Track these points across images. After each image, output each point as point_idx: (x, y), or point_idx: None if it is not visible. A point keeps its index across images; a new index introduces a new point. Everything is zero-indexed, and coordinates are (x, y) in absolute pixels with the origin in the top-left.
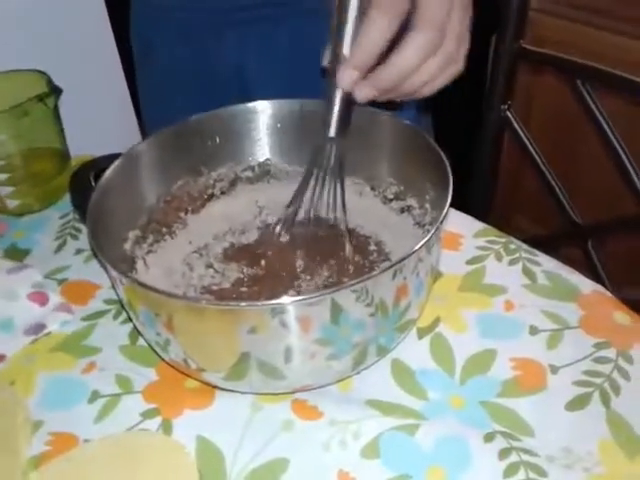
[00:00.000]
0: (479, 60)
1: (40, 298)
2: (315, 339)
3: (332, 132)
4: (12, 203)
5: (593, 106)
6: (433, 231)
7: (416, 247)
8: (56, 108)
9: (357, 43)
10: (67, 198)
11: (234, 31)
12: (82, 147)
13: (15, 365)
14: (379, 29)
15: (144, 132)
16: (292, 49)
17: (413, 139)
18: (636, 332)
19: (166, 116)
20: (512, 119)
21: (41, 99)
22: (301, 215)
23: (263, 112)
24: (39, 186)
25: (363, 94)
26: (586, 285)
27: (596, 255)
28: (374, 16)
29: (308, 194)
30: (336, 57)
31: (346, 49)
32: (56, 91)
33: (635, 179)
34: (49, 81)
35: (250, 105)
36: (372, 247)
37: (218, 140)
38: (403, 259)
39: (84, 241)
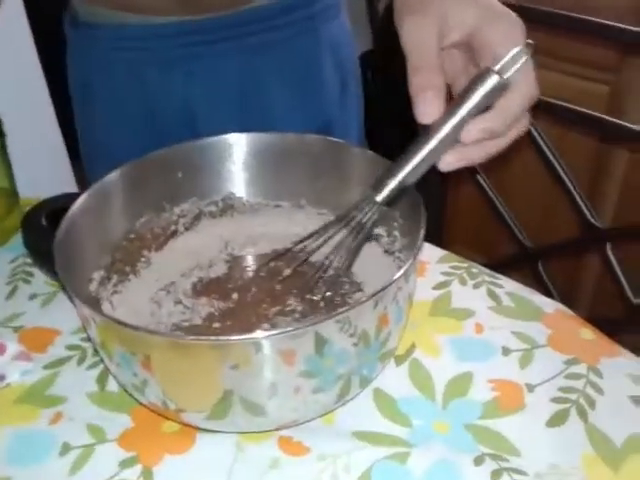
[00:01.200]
0: None
1: None
2: (300, 372)
3: (380, 198)
4: None
5: (535, 133)
6: (412, 260)
7: (397, 274)
8: (4, 148)
9: (498, 112)
10: (16, 241)
11: (181, 68)
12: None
13: None
14: (519, 107)
15: (82, 174)
16: (240, 84)
17: (377, 167)
18: (601, 347)
19: (111, 157)
20: None
21: None
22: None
23: (226, 146)
24: None
25: (451, 161)
26: (548, 305)
27: (546, 275)
28: (517, 93)
29: (320, 240)
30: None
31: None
32: (2, 133)
33: (576, 195)
34: None
35: (213, 139)
36: (343, 279)
37: (180, 175)
38: (385, 287)
39: (37, 285)
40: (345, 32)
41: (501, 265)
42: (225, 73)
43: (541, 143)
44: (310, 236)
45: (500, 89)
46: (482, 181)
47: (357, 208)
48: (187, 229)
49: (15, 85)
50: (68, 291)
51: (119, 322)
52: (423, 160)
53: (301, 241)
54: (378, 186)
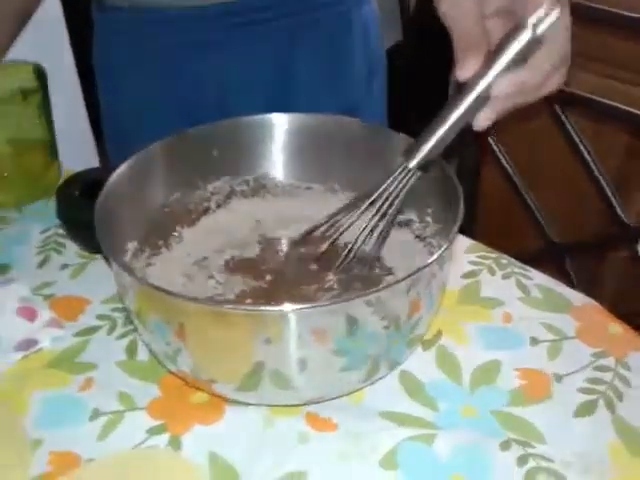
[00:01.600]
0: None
1: (28, 313)
2: (330, 349)
3: (413, 163)
4: None
5: (570, 128)
6: (448, 244)
7: (432, 258)
8: (46, 101)
9: (531, 68)
10: (47, 211)
11: (214, 52)
12: None
13: (7, 383)
14: (550, 61)
15: (105, 154)
16: (273, 66)
17: None
18: (629, 341)
19: (140, 142)
20: (492, 142)
21: (30, 92)
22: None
23: (262, 125)
24: (21, 182)
25: (484, 120)
26: (577, 298)
27: (573, 272)
28: (551, 47)
29: (349, 216)
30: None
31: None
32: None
33: (610, 197)
34: (41, 74)
35: (250, 118)
36: (374, 262)
37: (215, 152)
38: (419, 270)
39: (68, 256)
40: (374, 19)
41: (528, 259)
42: (259, 56)
43: (575, 137)
44: (342, 210)
45: (533, 44)
46: (513, 175)
47: (390, 177)
48: (219, 207)
49: (45, 63)
50: (107, 258)
51: (158, 288)
52: (458, 119)
53: (334, 215)
54: (410, 153)
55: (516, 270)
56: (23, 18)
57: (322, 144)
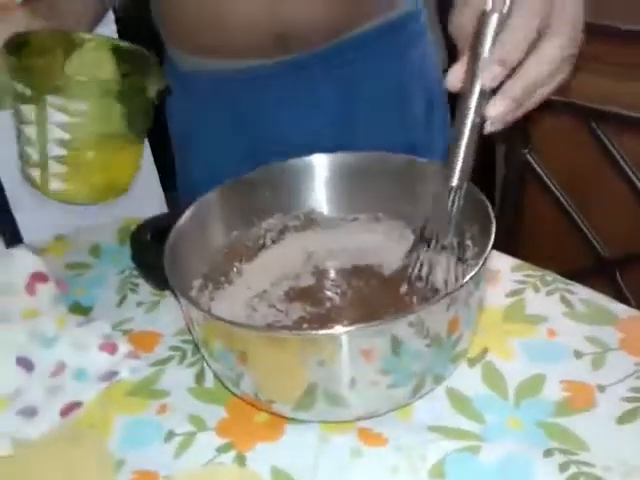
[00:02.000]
0: None
1: (110, 348)
2: (377, 368)
3: (455, 181)
4: (56, 185)
5: (609, 144)
6: (481, 263)
7: (467, 277)
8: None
9: (501, 42)
10: (123, 255)
11: (279, 105)
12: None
13: (92, 410)
14: (523, 29)
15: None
16: (332, 112)
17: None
18: None
19: (206, 189)
20: (533, 162)
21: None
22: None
23: (308, 165)
24: (99, 176)
25: (499, 109)
26: (622, 310)
27: (624, 286)
28: (519, 17)
29: (420, 255)
30: (476, 58)
31: (486, 54)
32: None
33: None
34: (158, 65)
35: (296, 160)
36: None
37: (268, 193)
38: (454, 290)
39: (143, 295)
40: (431, 55)
41: (578, 276)
42: (318, 104)
43: (613, 151)
44: (411, 253)
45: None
46: (558, 193)
47: (438, 204)
48: (274, 242)
49: None
50: (177, 294)
51: (220, 319)
52: (472, 121)
53: (407, 258)
54: (447, 174)
55: (560, 286)
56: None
57: (364, 179)
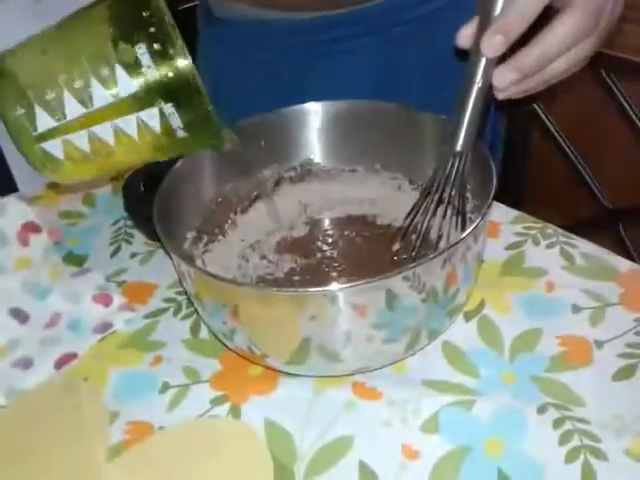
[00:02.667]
0: None
1: (104, 299)
2: (371, 323)
3: (459, 146)
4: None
5: (617, 91)
6: (480, 219)
7: (465, 233)
8: None
9: (504, 12)
10: (117, 205)
11: (320, 66)
12: None
13: (87, 362)
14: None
15: None
16: (378, 75)
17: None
18: None
19: None
20: (539, 111)
21: None
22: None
23: (304, 114)
24: None
25: (505, 78)
26: (623, 264)
27: (627, 239)
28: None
29: (422, 212)
30: (483, 27)
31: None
32: None
33: None
34: None
35: (291, 108)
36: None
37: (263, 143)
38: (452, 245)
39: (137, 245)
40: None
41: (581, 227)
42: (364, 67)
43: (623, 102)
44: (412, 212)
45: None
46: (562, 142)
47: (442, 168)
48: (265, 196)
49: None
50: (167, 249)
51: (211, 275)
52: (478, 90)
53: (409, 217)
54: (452, 140)
55: (561, 239)
56: None
57: (361, 128)
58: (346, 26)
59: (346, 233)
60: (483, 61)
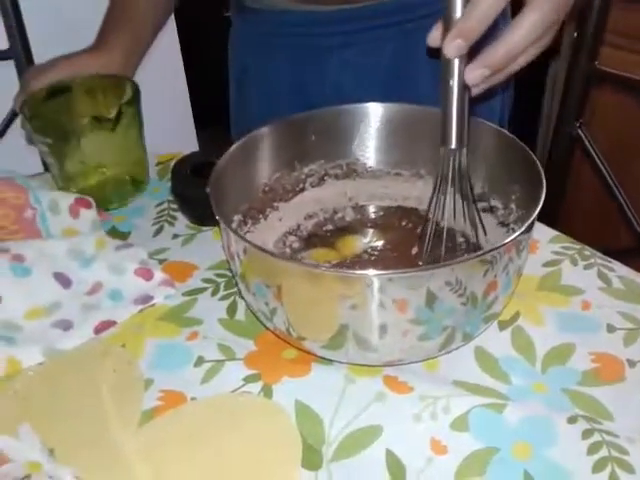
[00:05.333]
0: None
1: (146, 274)
2: (409, 319)
3: (453, 143)
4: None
5: None
6: (529, 222)
7: (510, 237)
8: (139, 114)
9: (465, 13)
10: (162, 187)
11: (337, 55)
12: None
13: (125, 330)
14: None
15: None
16: (392, 67)
17: (501, 141)
18: None
19: None
20: (583, 137)
21: (130, 104)
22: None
23: (356, 113)
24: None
25: (476, 74)
26: None
27: None
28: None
29: (438, 207)
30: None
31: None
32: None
33: None
34: (135, 87)
35: (346, 107)
36: (460, 239)
37: (313, 138)
38: (496, 248)
39: (179, 227)
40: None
41: (614, 254)
42: (378, 58)
43: None
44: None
45: None
46: (603, 168)
47: (442, 168)
48: (313, 187)
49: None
50: (221, 224)
51: (259, 248)
52: (458, 87)
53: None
54: (444, 139)
55: (598, 261)
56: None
57: (411, 132)
58: (362, 20)
59: (395, 223)
60: (454, 61)
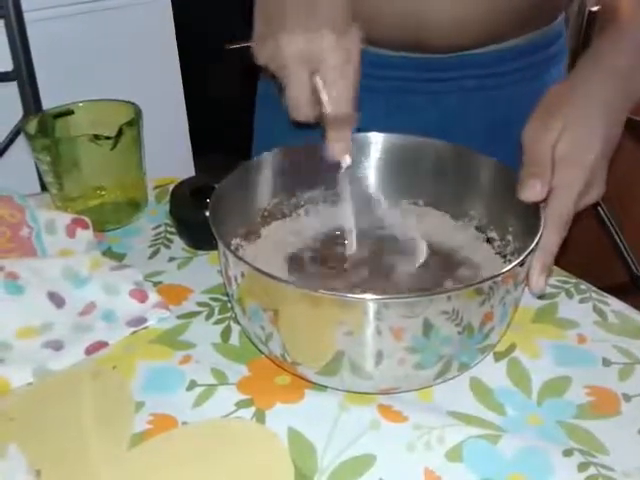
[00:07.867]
0: None
1: (140, 295)
2: (405, 347)
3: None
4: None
5: None
6: (526, 253)
7: (510, 265)
8: (140, 136)
9: (541, 249)
10: (159, 210)
11: (386, 99)
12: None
13: (117, 352)
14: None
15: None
16: (439, 126)
17: (499, 173)
18: None
19: None
20: None
21: (131, 124)
22: None
23: (358, 143)
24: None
25: (541, 285)
26: None
27: None
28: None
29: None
30: None
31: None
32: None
33: None
34: (137, 110)
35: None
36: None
37: (314, 166)
38: (492, 277)
39: (176, 250)
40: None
41: (614, 291)
42: (426, 114)
43: None
44: None
45: None
46: (600, 207)
47: None
48: (308, 213)
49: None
50: (220, 247)
51: (262, 272)
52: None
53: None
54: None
55: (594, 296)
56: None
57: (412, 163)
58: (422, 70)
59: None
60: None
